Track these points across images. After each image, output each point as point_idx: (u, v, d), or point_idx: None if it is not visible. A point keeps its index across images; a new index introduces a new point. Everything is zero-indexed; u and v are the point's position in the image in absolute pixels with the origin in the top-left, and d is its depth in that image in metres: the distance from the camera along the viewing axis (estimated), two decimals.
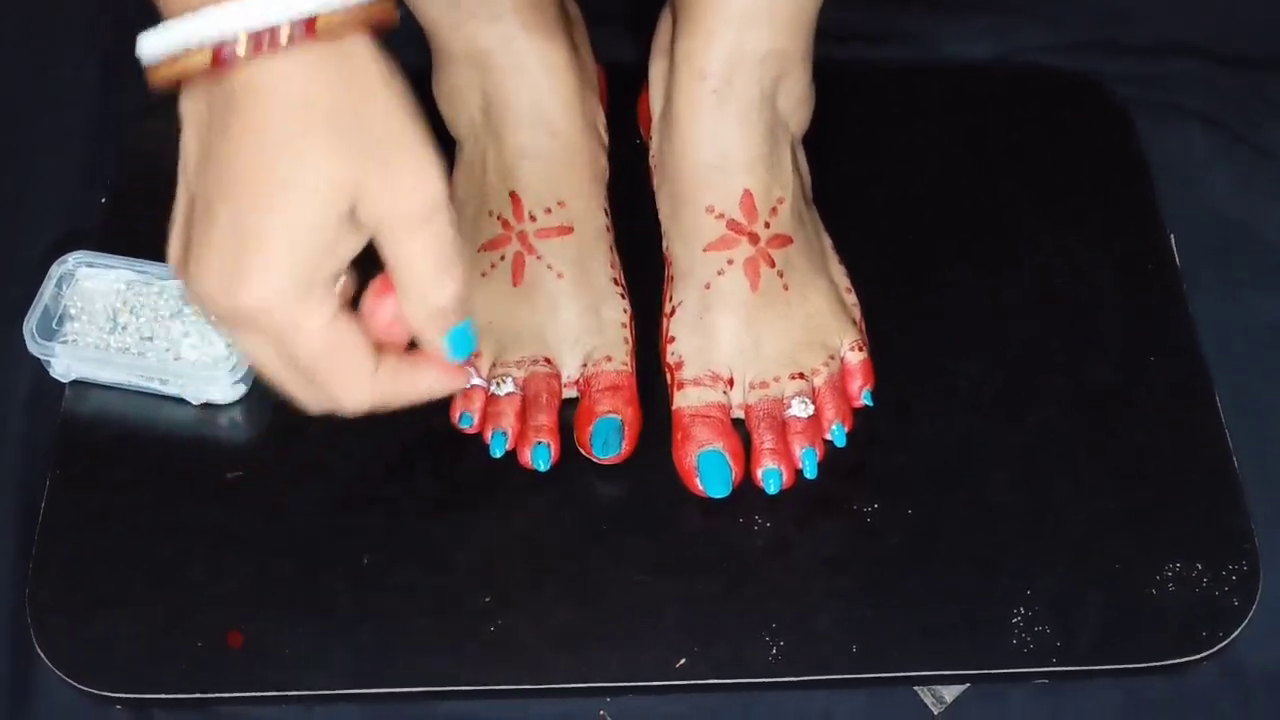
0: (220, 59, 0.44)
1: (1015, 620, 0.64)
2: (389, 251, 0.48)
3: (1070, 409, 0.70)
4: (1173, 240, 0.76)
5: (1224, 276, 0.78)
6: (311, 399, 0.50)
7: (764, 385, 0.68)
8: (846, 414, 0.69)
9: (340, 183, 0.45)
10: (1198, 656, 0.64)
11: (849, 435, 0.68)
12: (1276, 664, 0.67)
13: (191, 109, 0.47)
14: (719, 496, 0.66)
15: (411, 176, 0.46)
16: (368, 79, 0.46)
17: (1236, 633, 0.64)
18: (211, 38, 0.44)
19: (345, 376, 0.49)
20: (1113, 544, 0.66)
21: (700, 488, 0.67)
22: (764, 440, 0.67)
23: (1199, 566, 0.66)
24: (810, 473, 0.67)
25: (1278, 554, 0.68)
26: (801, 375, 0.68)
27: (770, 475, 0.67)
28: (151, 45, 0.45)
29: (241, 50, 0.44)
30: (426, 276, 0.48)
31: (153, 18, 0.47)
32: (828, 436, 0.68)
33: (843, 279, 0.72)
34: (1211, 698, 0.67)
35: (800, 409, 0.67)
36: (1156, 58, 0.86)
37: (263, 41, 0.44)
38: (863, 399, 0.69)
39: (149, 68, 0.45)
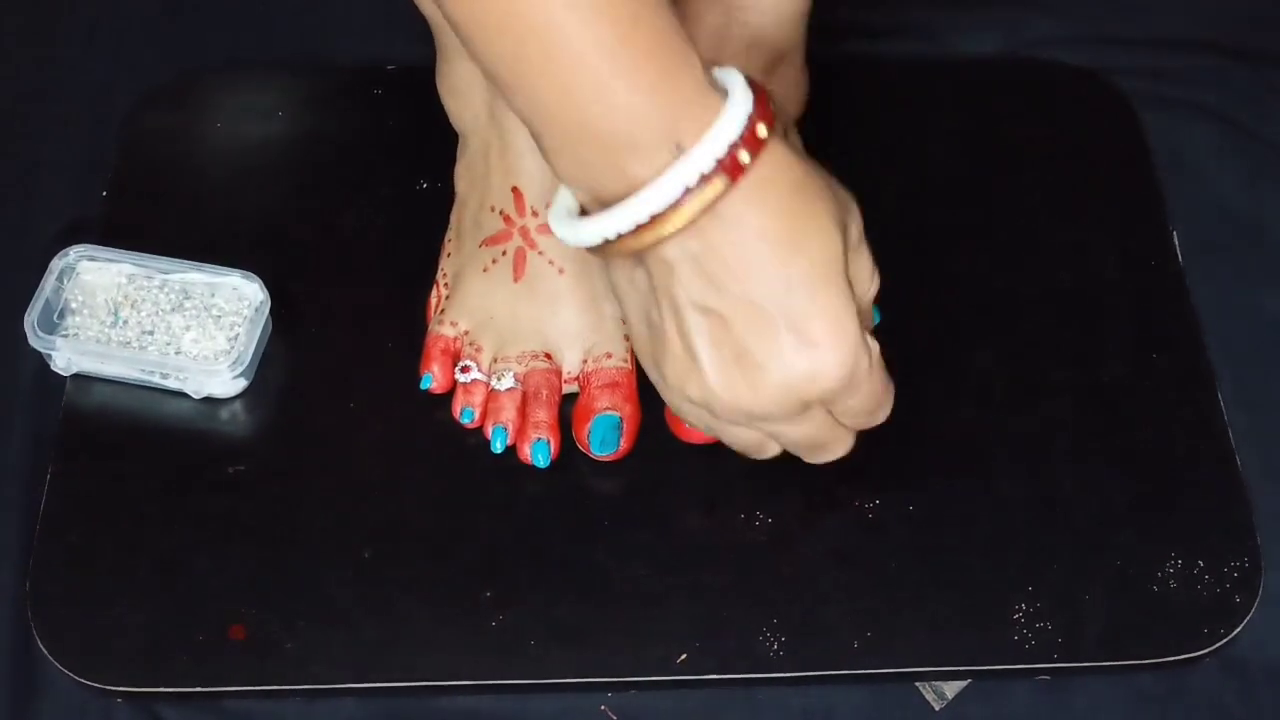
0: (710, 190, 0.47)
1: (1017, 616, 0.64)
2: None
3: (1072, 404, 0.70)
4: (1175, 236, 0.76)
5: (1230, 271, 0.78)
6: (846, 442, 0.56)
7: None
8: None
9: (838, 232, 0.51)
10: (1200, 653, 0.64)
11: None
12: (1278, 659, 0.67)
13: (660, 258, 0.50)
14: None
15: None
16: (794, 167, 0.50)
17: (1239, 629, 0.64)
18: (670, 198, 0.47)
19: (889, 390, 0.55)
20: (1115, 540, 0.66)
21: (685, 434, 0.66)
22: None
23: (1201, 563, 0.66)
24: None
25: (1279, 550, 0.68)
26: None
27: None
28: (607, 226, 0.48)
29: (736, 166, 0.48)
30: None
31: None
32: None
33: None
34: (1214, 694, 0.67)
35: None
36: (1166, 51, 0.85)
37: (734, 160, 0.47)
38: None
39: (605, 243, 0.49)
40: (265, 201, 0.77)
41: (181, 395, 0.70)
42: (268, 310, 0.70)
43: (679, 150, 0.47)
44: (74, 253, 0.71)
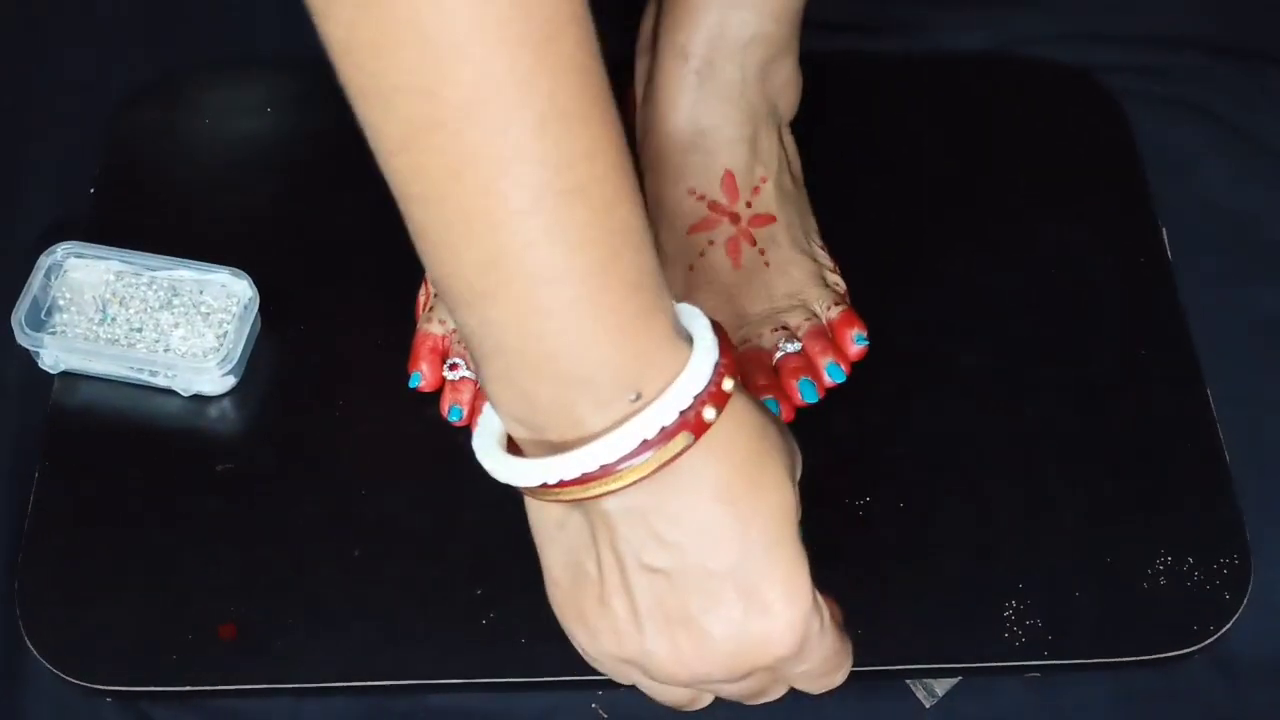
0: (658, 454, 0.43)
1: (1007, 614, 0.64)
2: None
3: (1061, 402, 0.70)
4: (1164, 233, 0.76)
5: (1220, 268, 0.78)
6: (784, 687, 0.51)
7: (746, 342, 0.68)
8: (841, 356, 0.68)
9: (790, 484, 0.47)
10: (1189, 650, 0.64)
11: (849, 418, 0.68)
12: (1267, 657, 0.68)
13: (580, 516, 0.46)
14: None
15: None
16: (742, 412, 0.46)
17: (1228, 626, 0.64)
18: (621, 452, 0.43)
19: (844, 653, 0.50)
20: (1104, 537, 0.66)
21: None
22: (754, 380, 0.67)
23: (1190, 560, 0.66)
24: (810, 397, 0.66)
25: (1269, 547, 0.68)
26: (784, 328, 0.68)
27: (768, 405, 0.66)
28: (549, 471, 0.44)
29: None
30: None
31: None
32: (824, 376, 0.67)
33: (827, 260, 0.72)
34: (1203, 691, 0.67)
35: (788, 346, 0.67)
36: (1155, 49, 0.86)
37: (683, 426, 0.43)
38: (856, 343, 0.68)
39: (543, 486, 0.44)
40: (253, 199, 0.77)
41: (170, 393, 0.70)
42: (256, 307, 0.70)
43: (638, 398, 0.43)
44: (61, 250, 0.71)
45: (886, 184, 0.78)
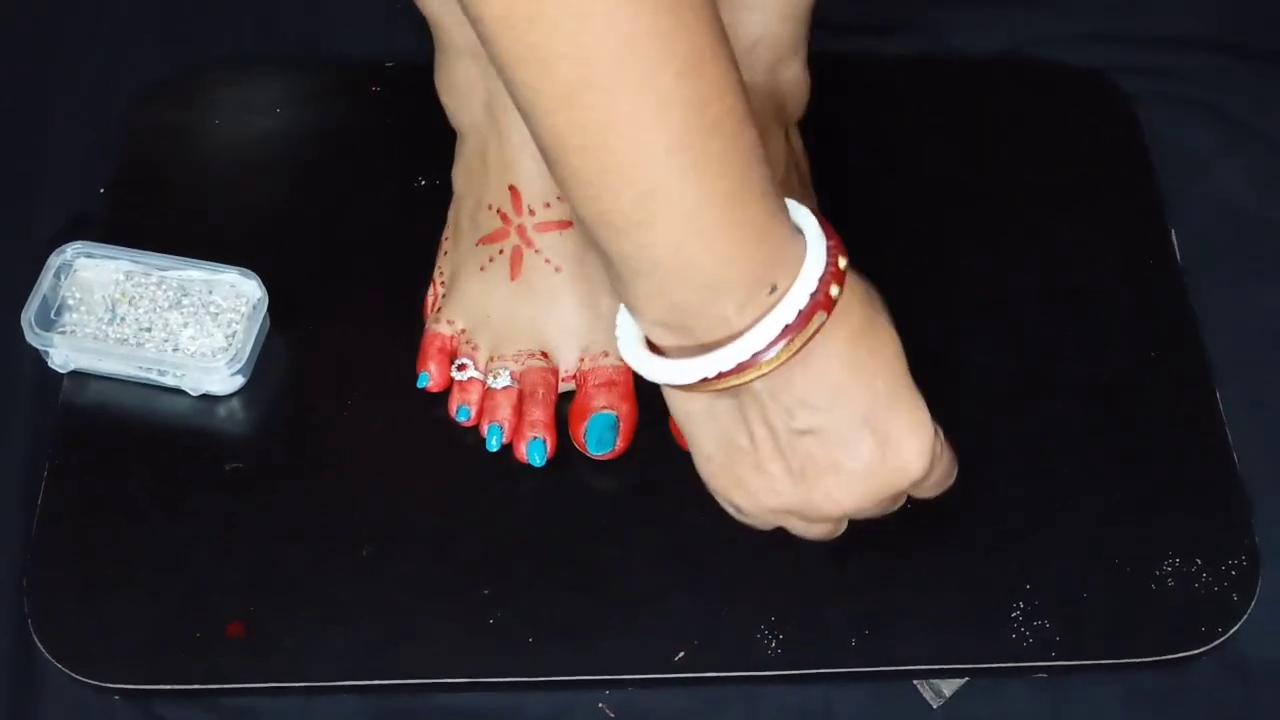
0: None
1: (1015, 614, 0.64)
2: None
3: (1070, 403, 0.70)
4: (1174, 234, 0.76)
5: (1233, 269, 0.78)
6: (938, 491, 0.58)
7: None
8: None
9: (896, 333, 0.54)
10: (1197, 651, 0.64)
11: None
12: (1276, 658, 0.67)
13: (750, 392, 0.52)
14: None
15: None
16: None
17: (1236, 627, 0.64)
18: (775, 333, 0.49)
19: (954, 459, 0.58)
20: (1113, 538, 0.66)
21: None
22: None
23: (1199, 561, 0.66)
24: None
25: (1278, 549, 0.67)
26: None
27: None
28: (708, 366, 0.49)
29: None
30: None
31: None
32: None
33: None
34: (1212, 692, 0.67)
35: None
36: (1168, 50, 0.85)
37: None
38: None
39: (703, 381, 0.50)
40: (263, 198, 0.77)
41: (179, 392, 0.70)
42: (265, 307, 0.70)
43: (773, 290, 0.49)
44: (71, 249, 0.71)
45: (896, 185, 0.78)
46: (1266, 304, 0.77)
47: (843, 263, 0.50)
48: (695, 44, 0.45)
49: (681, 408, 0.54)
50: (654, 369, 0.51)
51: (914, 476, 0.54)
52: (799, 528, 0.57)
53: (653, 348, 0.52)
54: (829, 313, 0.49)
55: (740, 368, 0.49)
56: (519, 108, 0.46)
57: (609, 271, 0.50)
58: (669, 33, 0.44)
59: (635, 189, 0.46)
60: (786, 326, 0.48)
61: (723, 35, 0.46)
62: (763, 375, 0.49)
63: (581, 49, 0.43)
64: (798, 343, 0.49)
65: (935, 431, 0.54)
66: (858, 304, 0.51)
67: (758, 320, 0.48)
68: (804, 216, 0.50)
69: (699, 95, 0.45)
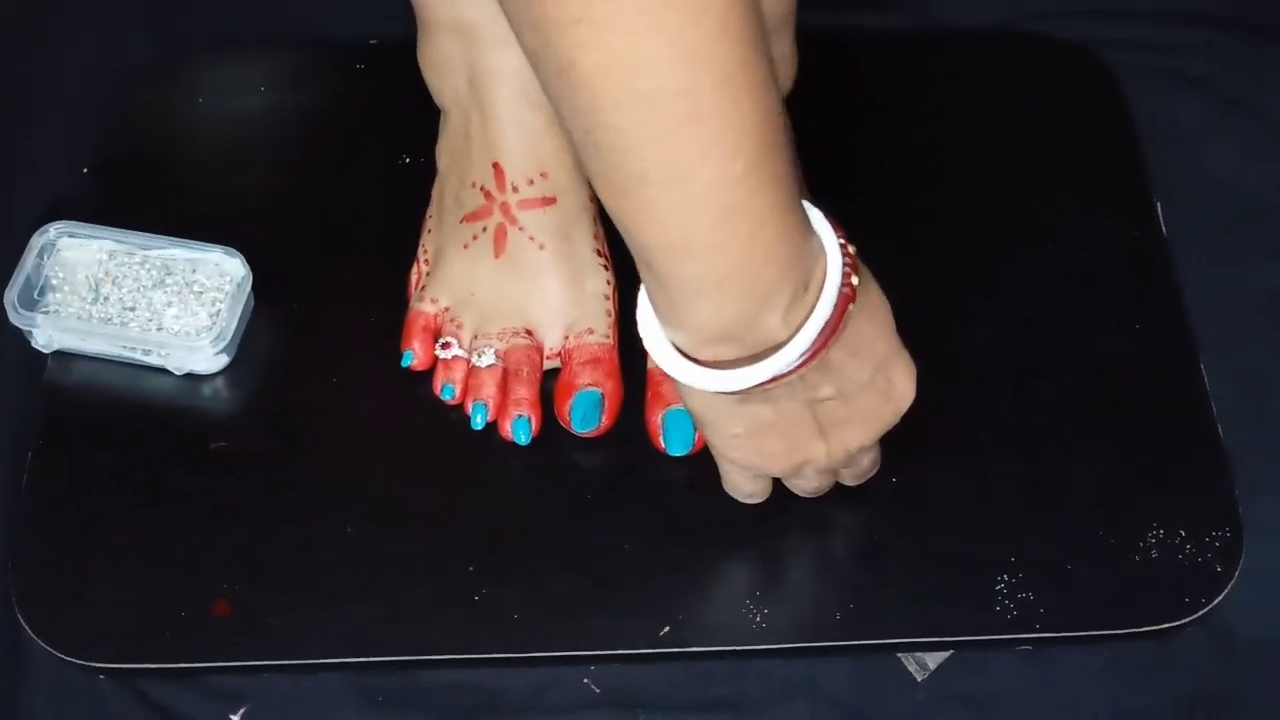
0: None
1: (999, 587, 0.64)
2: None
3: (1056, 376, 0.70)
4: (1159, 208, 0.76)
5: (1222, 243, 0.78)
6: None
7: None
8: None
9: (888, 305, 0.58)
10: (1181, 622, 0.64)
11: None
12: (1260, 629, 0.67)
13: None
14: (678, 455, 0.67)
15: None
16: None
17: (1220, 598, 0.64)
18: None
19: None
20: (1098, 510, 0.66)
21: (662, 445, 0.67)
22: None
23: (1183, 533, 0.66)
24: None
25: (1262, 520, 0.68)
26: None
27: None
28: (761, 372, 0.53)
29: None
30: None
31: None
32: None
33: None
34: (1195, 663, 0.67)
35: None
36: (1156, 24, 0.85)
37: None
38: None
39: (760, 384, 0.54)
40: (247, 178, 0.77)
41: (163, 372, 0.70)
42: (249, 286, 0.70)
43: (805, 289, 0.52)
44: (54, 229, 0.71)
45: (883, 161, 0.77)
46: (1253, 277, 0.77)
47: (852, 250, 0.54)
48: (763, 69, 0.48)
49: (706, 401, 0.57)
50: (707, 380, 0.54)
51: (907, 407, 0.60)
52: (803, 479, 0.62)
53: (686, 356, 0.55)
54: (854, 302, 0.53)
55: (790, 370, 0.53)
56: (590, 149, 0.48)
57: (660, 293, 0.52)
58: (752, 62, 0.47)
59: (713, 212, 0.49)
60: (826, 323, 0.52)
61: (772, 61, 0.49)
62: (806, 368, 0.53)
63: (686, 84, 0.46)
64: (836, 336, 0.53)
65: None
66: (865, 280, 0.56)
67: (801, 324, 0.52)
68: (812, 210, 0.53)
69: (767, 117, 0.48)
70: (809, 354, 0.53)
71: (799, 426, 0.58)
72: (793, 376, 0.54)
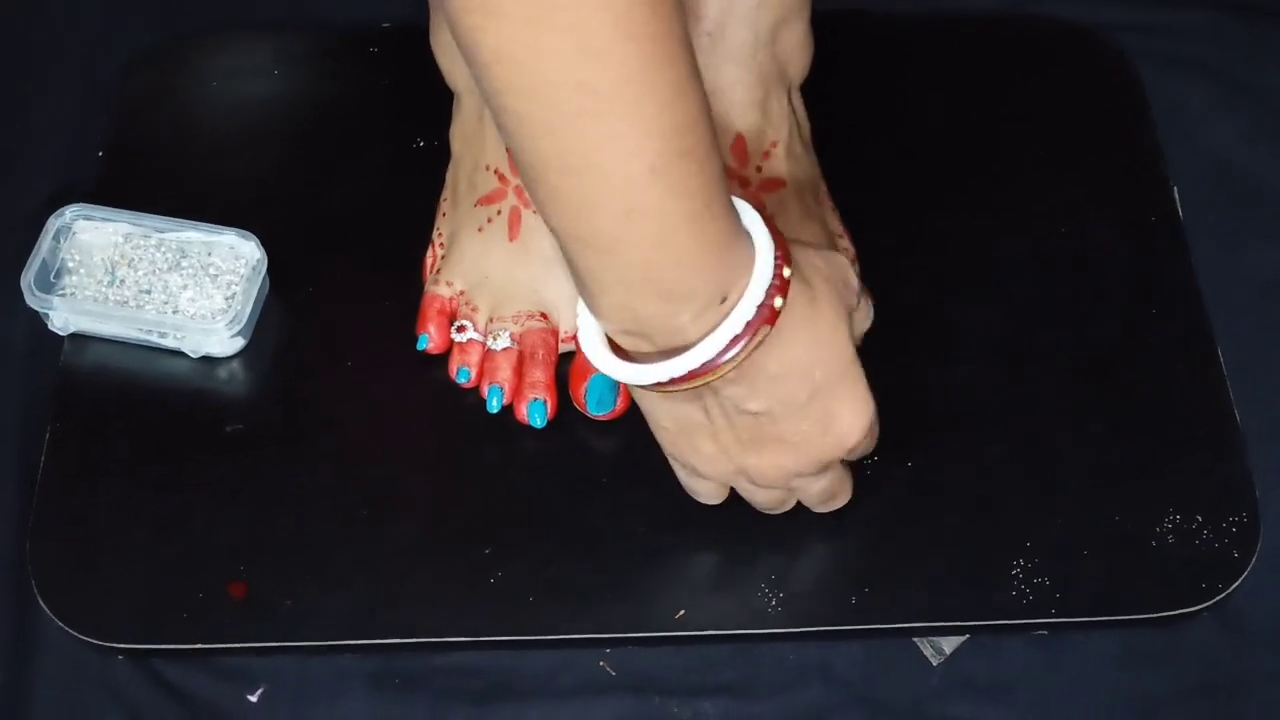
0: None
1: (1014, 571, 0.64)
2: None
3: (1071, 360, 0.70)
4: (1175, 192, 0.76)
5: (1230, 227, 0.78)
6: (849, 492, 0.64)
7: None
8: None
9: (845, 326, 0.57)
10: (1196, 608, 0.64)
11: None
12: (1275, 616, 0.67)
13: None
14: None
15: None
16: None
17: (1235, 584, 0.64)
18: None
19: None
20: (1113, 495, 0.66)
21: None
22: None
23: (1199, 518, 0.66)
24: None
25: (1269, 507, 0.67)
26: None
27: None
28: (661, 372, 0.53)
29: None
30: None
31: None
32: None
33: (836, 225, 0.72)
34: (1210, 649, 0.67)
35: None
36: (1164, 7, 0.85)
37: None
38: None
39: (657, 384, 0.54)
40: (262, 161, 0.77)
41: (179, 354, 0.70)
42: (265, 269, 0.70)
43: (724, 300, 0.52)
44: (70, 212, 0.71)
45: (895, 145, 0.77)
46: (1263, 260, 0.77)
47: (787, 272, 0.53)
48: (679, 75, 0.48)
49: (638, 391, 0.58)
50: (616, 369, 0.54)
51: (850, 445, 0.58)
52: (748, 490, 0.62)
53: (613, 345, 0.55)
54: (773, 325, 0.52)
55: (691, 375, 0.53)
56: (501, 130, 0.49)
57: (576, 281, 0.53)
58: (660, 64, 0.47)
59: (615, 209, 0.49)
60: (735, 337, 0.52)
61: (697, 69, 0.49)
62: (713, 379, 0.53)
63: (581, 78, 0.46)
64: (744, 352, 0.52)
65: (871, 402, 0.58)
66: (801, 306, 0.54)
67: (709, 332, 0.52)
68: (754, 222, 0.53)
69: (678, 122, 0.48)
70: (716, 366, 0.52)
71: (727, 435, 0.58)
72: (702, 382, 0.53)
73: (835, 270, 0.58)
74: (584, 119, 0.47)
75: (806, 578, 0.65)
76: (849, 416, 0.57)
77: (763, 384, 0.55)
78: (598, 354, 0.55)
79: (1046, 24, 0.82)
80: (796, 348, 0.55)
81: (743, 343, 0.52)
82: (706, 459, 0.59)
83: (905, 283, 0.72)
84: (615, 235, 0.50)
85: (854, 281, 0.59)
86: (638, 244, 0.50)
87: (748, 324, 0.52)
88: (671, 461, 0.62)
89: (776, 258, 0.53)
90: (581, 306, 0.55)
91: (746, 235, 0.53)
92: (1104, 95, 0.79)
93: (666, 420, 0.59)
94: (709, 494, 0.63)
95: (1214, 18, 0.84)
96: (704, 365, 0.52)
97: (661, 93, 0.47)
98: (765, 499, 0.63)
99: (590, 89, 0.46)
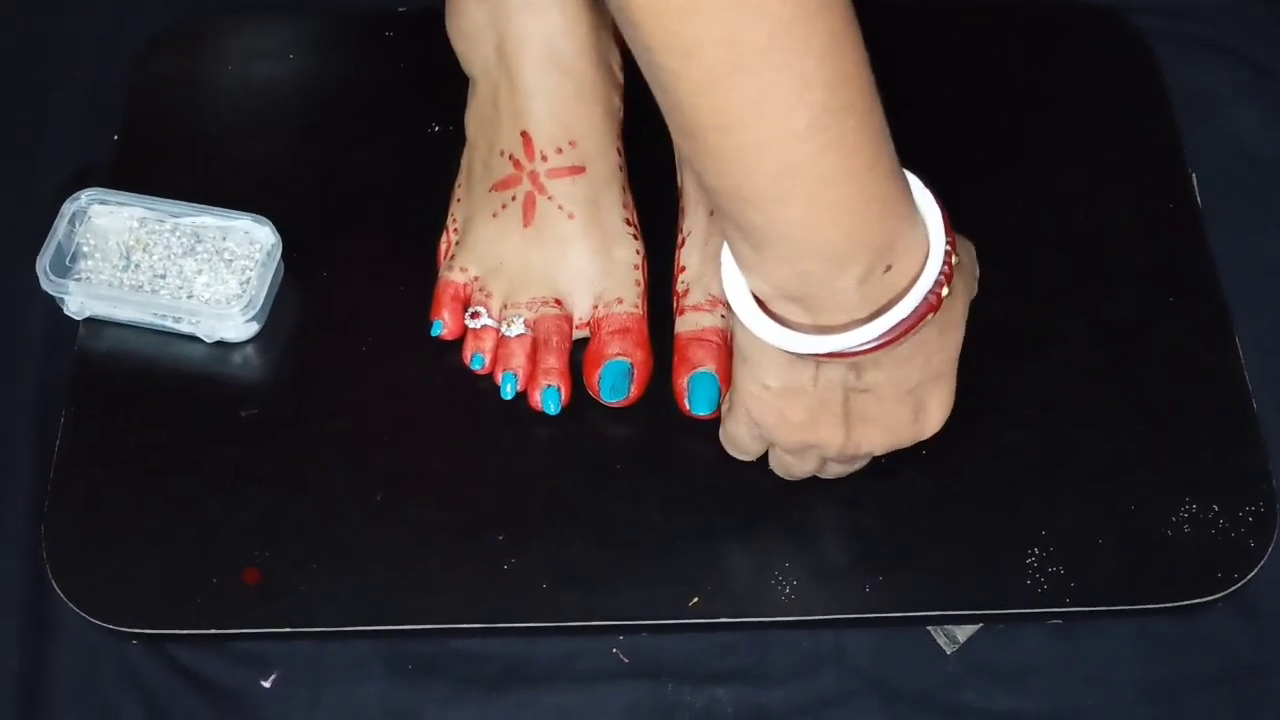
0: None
1: (1029, 560, 0.64)
2: None
3: (1089, 347, 0.70)
4: (1194, 177, 0.75)
5: (1250, 213, 0.77)
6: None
7: None
8: None
9: (964, 326, 0.58)
10: (1212, 597, 0.64)
11: None
12: None
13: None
14: (702, 415, 0.66)
15: None
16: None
17: (1253, 573, 0.64)
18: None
19: None
20: (1129, 484, 0.66)
21: (687, 407, 0.66)
22: None
23: (1215, 507, 0.65)
24: None
25: None
26: None
27: None
28: (836, 343, 0.53)
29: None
30: None
31: None
32: None
33: None
34: (1225, 638, 0.67)
35: None
36: None
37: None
38: None
39: (819, 354, 0.54)
40: (276, 146, 0.77)
41: (194, 339, 0.70)
42: (279, 254, 0.70)
43: (889, 269, 0.52)
44: (85, 196, 0.71)
45: (913, 127, 0.76)
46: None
47: (954, 260, 0.53)
48: (835, 27, 0.47)
49: (759, 345, 0.56)
50: (773, 334, 0.54)
51: (927, 437, 0.59)
52: (785, 461, 0.62)
53: (761, 307, 0.55)
54: (935, 312, 0.53)
55: (851, 353, 0.53)
56: (656, 90, 0.48)
57: (734, 238, 0.53)
58: (813, 16, 0.46)
59: (773, 166, 0.48)
60: (902, 322, 0.52)
61: (854, 18, 0.48)
62: (864, 355, 0.53)
63: (733, 34, 0.45)
64: (906, 334, 0.53)
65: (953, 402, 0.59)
66: (952, 299, 0.55)
67: (879, 313, 0.52)
68: (928, 204, 0.53)
69: (837, 76, 0.47)
70: (874, 345, 0.53)
71: (827, 406, 0.57)
72: (850, 359, 0.54)
73: (971, 260, 0.58)
74: (738, 76, 0.46)
75: (821, 565, 0.65)
76: (937, 410, 0.58)
77: (888, 363, 0.55)
78: (749, 314, 0.55)
79: (1066, 7, 0.82)
80: (934, 337, 0.55)
81: (907, 329, 0.52)
82: (790, 426, 0.58)
83: None
84: (773, 194, 0.49)
85: (978, 271, 0.59)
86: (798, 201, 0.49)
87: (915, 310, 0.52)
88: (734, 412, 0.61)
89: (948, 243, 0.53)
90: (731, 271, 0.55)
91: (912, 204, 0.52)
92: (1124, 79, 0.79)
93: (774, 381, 0.57)
94: (750, 454, 0.63)
95: (1237, 2, 0.84)
96: (865, 344, 0.52)
97: (817, 45, 0.46)
98: (799, 470, 0.62)
99: (742, 45, 0.45)
